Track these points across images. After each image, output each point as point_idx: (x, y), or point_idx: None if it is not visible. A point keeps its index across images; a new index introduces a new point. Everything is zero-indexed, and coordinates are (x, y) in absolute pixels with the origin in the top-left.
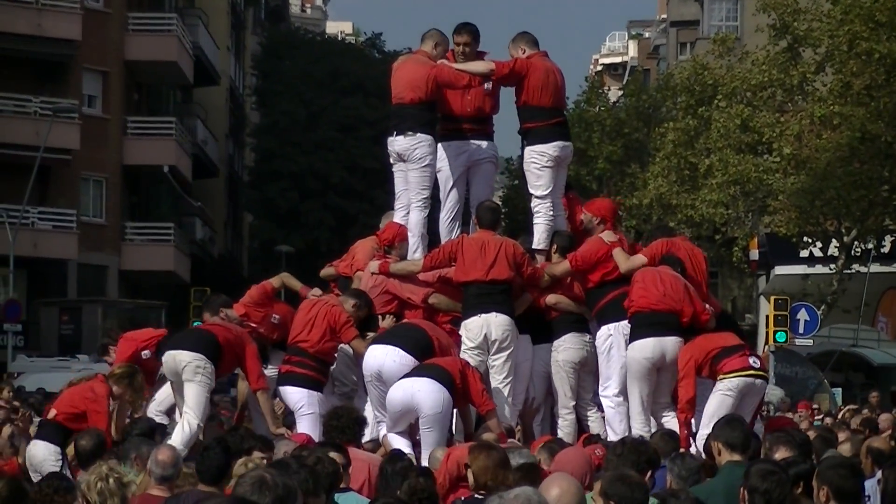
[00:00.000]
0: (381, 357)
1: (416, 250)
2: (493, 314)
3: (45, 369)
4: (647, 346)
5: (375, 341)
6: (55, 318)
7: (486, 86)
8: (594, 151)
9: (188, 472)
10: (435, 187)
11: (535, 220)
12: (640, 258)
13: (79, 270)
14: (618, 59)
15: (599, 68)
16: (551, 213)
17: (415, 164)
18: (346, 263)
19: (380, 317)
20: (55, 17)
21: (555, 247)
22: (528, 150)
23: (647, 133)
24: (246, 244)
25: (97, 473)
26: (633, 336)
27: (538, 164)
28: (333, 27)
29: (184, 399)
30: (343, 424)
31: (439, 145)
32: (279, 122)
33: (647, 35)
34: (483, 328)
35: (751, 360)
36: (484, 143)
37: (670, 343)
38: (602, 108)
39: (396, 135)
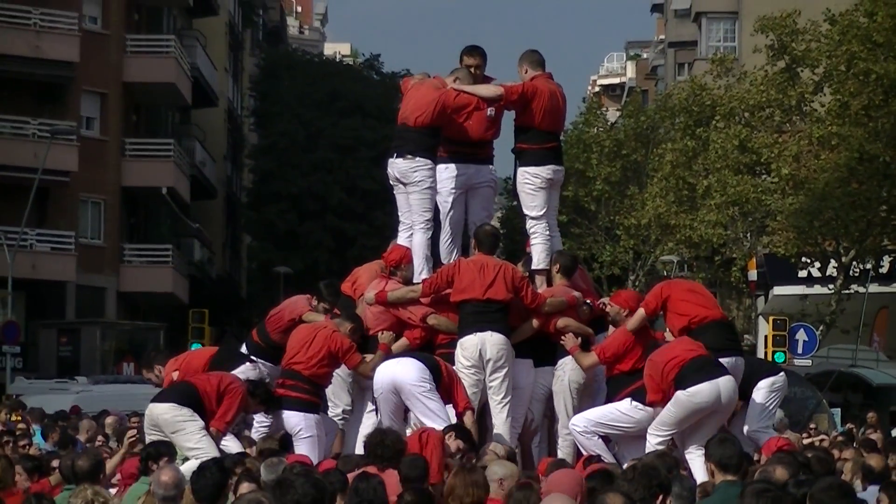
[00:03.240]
0: (394, 367)
1: (421, 272)
2: (489, 333)
3: (44, 391)
4: (704, 391)
5: (385, 360)
6: (54, 340)
7: (489, 112)
8: (592, 172)
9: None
10: (435, 209)
11: (533, 242)
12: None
13: (77, 292)
14: (616, 80)
15: (597, 89)
16: (547, 233)
17: (415, 186)
18: (348, 285)
19: (378, 333)
20: (53, 38)
21: (557, 266)
22: (521, 170)
23: (645, 154)
24: (244, 265)
25: (82, 497)
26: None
27: (532, 186)
28: (331, 48)
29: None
30: (387, 454)
31: (438, 167)
32: (277, 144)
33: (645, 56)
34: (478, 346)
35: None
36: (484, 168)
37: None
38: (600, 129)
39: (396, 157)
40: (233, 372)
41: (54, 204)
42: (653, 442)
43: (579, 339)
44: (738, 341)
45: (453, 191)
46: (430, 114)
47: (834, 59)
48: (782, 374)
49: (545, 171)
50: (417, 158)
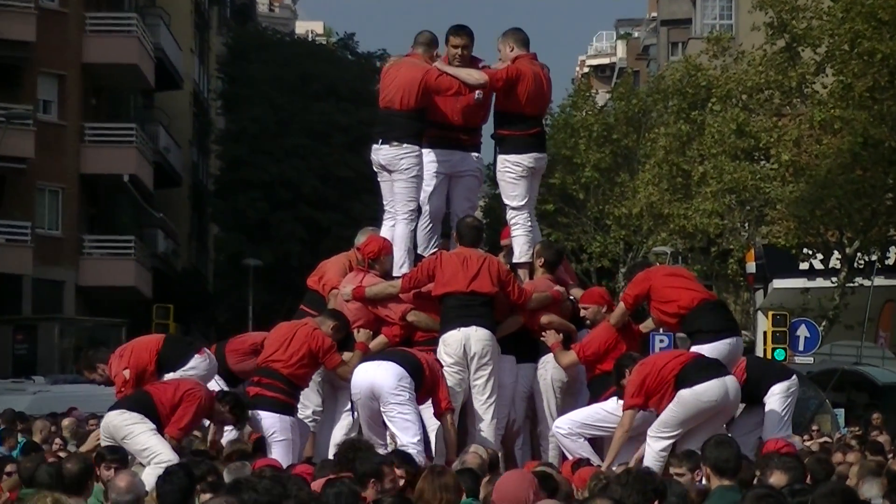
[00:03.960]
0: (373, 370)
1: (402, 265)
2: (474, 328)
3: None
4: (712, 389)
5: (365, 360)
6: (9, 338)
7: (476, 95)
8: (581, 158)
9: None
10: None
11: (514, 233)
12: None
13: (34, 286)
14: (605, 61)
15: (586, 70)
16: (529, 223)
17: (401, 174)
18: (315, 279)
19: (355, 331)
20: (8, 17)
21: (541, 260)
22: (501, 157)
23: (636, 139)
24: (212, 258)
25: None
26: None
27: (513, 175)
28: (303, 27)
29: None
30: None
31: (423, 151)
32: (247, 129)
33: (636, 35)
34: (462, 342)
35: None
36: (469, 156)
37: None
38: (589, 113)
39: (382, 143)
40: (186, 365)
41: (9, 192)
42: (655, 447)
43: (561, 335)
44: (734, 321)
45: (435, 175)
46: (414, 93)
47: (837, 37)
48: (794, 376)
49: (527, 160)
50: (405, 145)
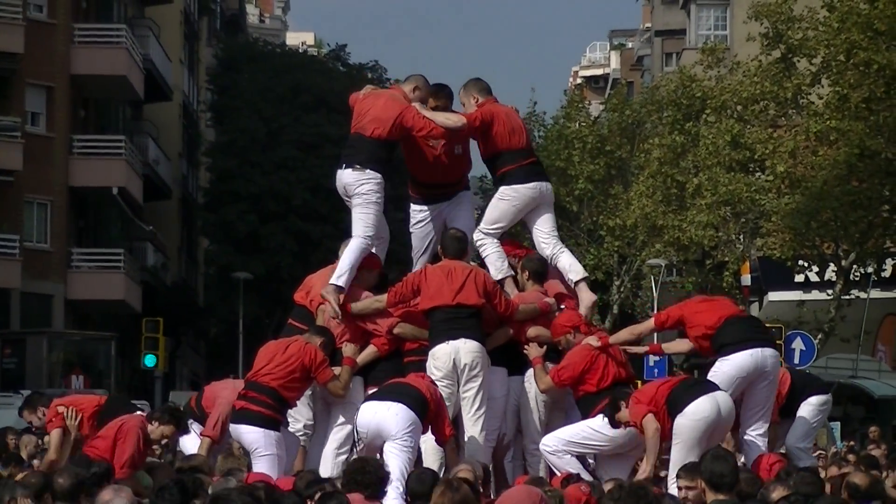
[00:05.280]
0: (383, 413)
1: (340, 276)
2: (462, 340)
3: None
4: (703, 406)
5: (372, 398)
6: None
7: (456, 150)
8: (574, 170)
9: None
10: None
11: (485, 253)
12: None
13: (22, 300)
14: (599, 72)
15: (579, 81)
16: (496, 247)
17: (358, 199)
18: (302, 294)
19: (343, 345)
20: None
21: (526, 274)
22: (503, 188)
23: (630, 150)
24: (201, 271)
25: None
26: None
27: (506, 202)
28: (294, 38)
29: None
30: (368, 481)
31: (412, 208)
32: (236, 141)
33: (630, 45)
34: (451, 355)
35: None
36: (458, 195)
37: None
38: (582, 124)
39: (345, 167)
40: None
41: None
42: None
43: (544, 348)
44: (762, 332)
45: (433, 227)
46: (388, 127)
47: (832, 48)
48: (830, 393)
49: (528, 190)
50: (367, 171)
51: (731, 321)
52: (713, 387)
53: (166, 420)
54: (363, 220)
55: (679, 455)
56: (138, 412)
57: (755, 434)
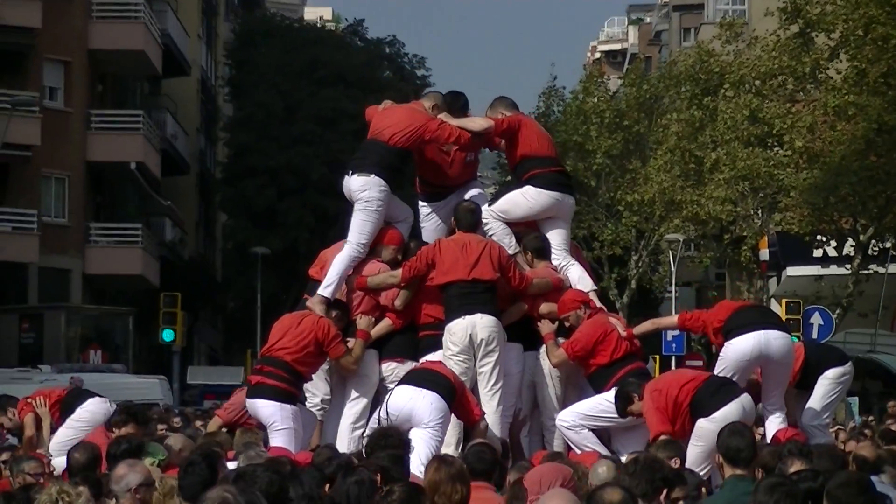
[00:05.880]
0: (416, 399)
1: (329, 285)
2: (479, 315)
3: (5, 381)
4: (732, 415)
5: (406, 382)
6: (15, 327)
7: (467, 158)
8: (592, 145)
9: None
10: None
11: (491, 231)
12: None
13: (40, 275)
14: (617, 46)
15: (597, 56)
16: (503, 224)
17: (360, 204)
18: (317, 269)
19: (358, 318)
20: (13, 3)
21: (529, 254)
22: (528, 186)
23: (648, 125)
24: (219, 246)
25: (48, 495)
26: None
27: (525, 200)
28: (312, 13)
29: None
30: (392, 444)
31: (421, 206)
32: (254, 115)
33: (648, 20)
34: (468, 330)
35: None
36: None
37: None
38: (600, 99)
39: (353, 173)
40: (82, 406)
41: (15, 181)
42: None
43: (556, 323)
44: (771, 318)
45: (441, 226)
46: (407, 135)
47: (851, 22)
48: (850, 363)
49: (548, 197)
50: (373, 176)
51: (740, 310)
52: (739, 390)
53: (124, 421)
54: (360, 228)
55: (698, 458)
56: (98, 397)
57: (772, 409)
